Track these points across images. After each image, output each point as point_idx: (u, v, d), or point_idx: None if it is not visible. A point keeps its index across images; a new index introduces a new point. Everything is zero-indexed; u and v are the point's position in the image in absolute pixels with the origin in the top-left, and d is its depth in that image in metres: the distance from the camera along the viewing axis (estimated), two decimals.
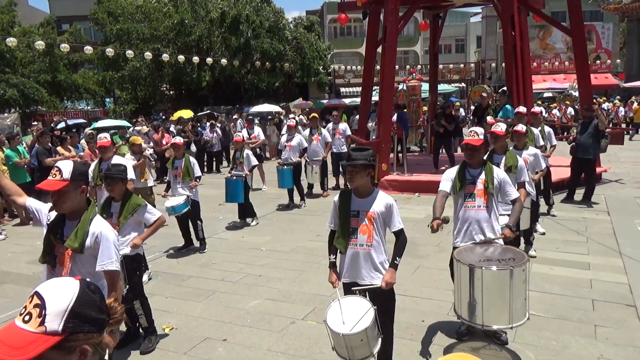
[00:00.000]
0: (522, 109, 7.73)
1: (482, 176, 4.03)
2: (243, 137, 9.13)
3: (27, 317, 1.19)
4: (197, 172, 7.25)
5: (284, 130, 15.06)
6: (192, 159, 7.29)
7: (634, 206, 8.68)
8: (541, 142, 7.65)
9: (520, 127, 6.14)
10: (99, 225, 2.85)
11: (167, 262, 6.77)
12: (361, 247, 3.37)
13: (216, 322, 4.80)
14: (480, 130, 4.14)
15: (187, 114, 21.47)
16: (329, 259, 3.57)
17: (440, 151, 12.15)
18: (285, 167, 9.60)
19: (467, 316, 3.65)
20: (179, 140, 7.56)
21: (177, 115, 21.13)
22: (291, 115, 17.04)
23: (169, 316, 4.95)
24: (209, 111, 23.33)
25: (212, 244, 7.40)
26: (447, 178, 4.16)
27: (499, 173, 4.10)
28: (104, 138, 6.68)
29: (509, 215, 4.18)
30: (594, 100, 11.85)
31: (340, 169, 11.24)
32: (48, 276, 2.94)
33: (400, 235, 3.40)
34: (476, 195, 4.02)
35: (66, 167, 2.74)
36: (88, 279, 1.33)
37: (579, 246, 6.65)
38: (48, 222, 3.00)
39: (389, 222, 3.38)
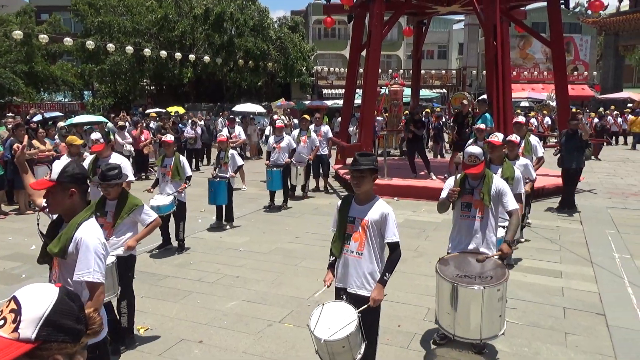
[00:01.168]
0: (521, 119, 7.85)
1: (481, 187, 4.03)
2: (227, 136, 9.01)
3: (1, 322, 1.17)
4: (188, 172, 7.14)
5: (267, 131, 15.01)
6: (183, 158, 7.17)
7: (605, 216, 8.91)
8: (539, 154, 7.75)
9: (515, 137, 6.24)
10: (84, 231, 2.64)
11: (143, 260, 6.67)
12: (351, 254, 3.36)
13: (192, 324, 4.76)
14: (478, 151, 4.05)
15: (179, 110, 21.30)
16: (329, 260, 3.55)
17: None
18: (275, 169, 9.53)
19: (442, 324, 3.74)
20: (169, 137, 7.27)
21: (171, 109, 21.01)
22: (276, 117, 16.99)
23: (144, 316, 4.89)
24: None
25: (190, 244, 7.33)
26: (448, 187, 4.19)
27: (498, 183, 4.06)
28: (97, 141, 6.09)
29: (505, 227, 4.20)
30: (577, 110, 12.12)
31: (321, 171, 11.26)
32: (50, 277, 2.86)
33: (394, 250, 3.31)
34: (472, 206, 4.05)
35: (57, 168, 2.63)
36: (70, 287, 1.32)
37: (552, 254, 6.80)
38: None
39: (384, 232, 3.30)
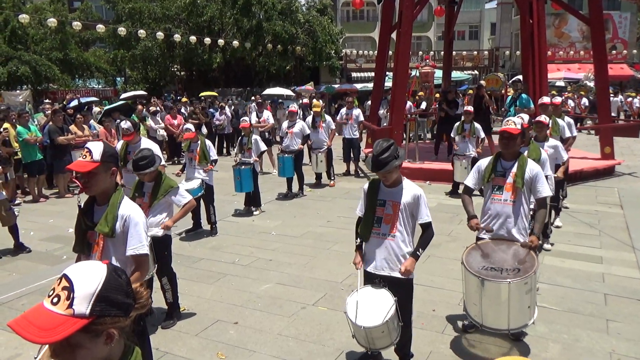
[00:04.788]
0: (546, 99, 7.58)
1: (514, 169, 3.87)
2: (250, 122, 8.96)
3: (55, 299, 1.20)
4: (214, 155, 7.23)
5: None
6: (208, 142, 7.25)
7: None
8: (567, 134, 7.50)
9: (543, 118, 6.03)
10: (128, 208, 2.78)
11: (177, 243, 6.80)
12: (384, 237, 3.36)
13: (227, 305, 4.84)
14: (517, 120, 3.98)
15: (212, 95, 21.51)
16: (355, 242, 3.56)
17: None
18: (287, 155, 9.22)
19: (470, 312, 3.69)
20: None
21: (205, 95, 21.25)
22: (295, 105, 16.80)
23: (180, 297, 4.96)
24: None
25: (223, 227, 7.43)
26: (476, 170, 4.06)
27: (534, 167, 3.89)
28: (128, 130, 6.21)
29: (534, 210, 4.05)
30: None
31: (352, 155, 11.17)
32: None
33: (427, 229, 3.37)
34: (504, 189, 3.89)
35: (97, 149, 2.68)
36: (118, 264, 1.34)
37: (591, 239, 6.60)
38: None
39: (417, 214, 3.35)
